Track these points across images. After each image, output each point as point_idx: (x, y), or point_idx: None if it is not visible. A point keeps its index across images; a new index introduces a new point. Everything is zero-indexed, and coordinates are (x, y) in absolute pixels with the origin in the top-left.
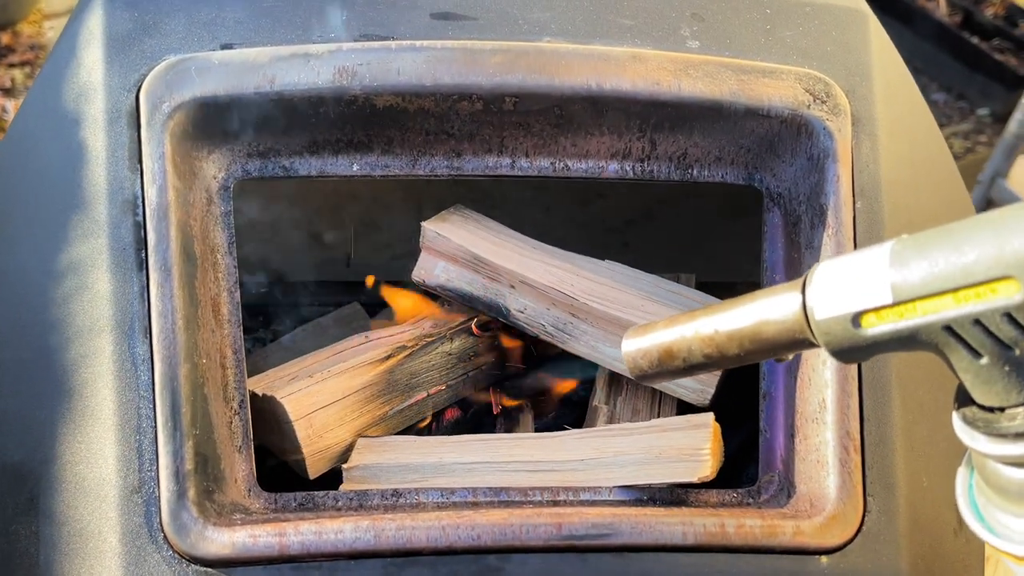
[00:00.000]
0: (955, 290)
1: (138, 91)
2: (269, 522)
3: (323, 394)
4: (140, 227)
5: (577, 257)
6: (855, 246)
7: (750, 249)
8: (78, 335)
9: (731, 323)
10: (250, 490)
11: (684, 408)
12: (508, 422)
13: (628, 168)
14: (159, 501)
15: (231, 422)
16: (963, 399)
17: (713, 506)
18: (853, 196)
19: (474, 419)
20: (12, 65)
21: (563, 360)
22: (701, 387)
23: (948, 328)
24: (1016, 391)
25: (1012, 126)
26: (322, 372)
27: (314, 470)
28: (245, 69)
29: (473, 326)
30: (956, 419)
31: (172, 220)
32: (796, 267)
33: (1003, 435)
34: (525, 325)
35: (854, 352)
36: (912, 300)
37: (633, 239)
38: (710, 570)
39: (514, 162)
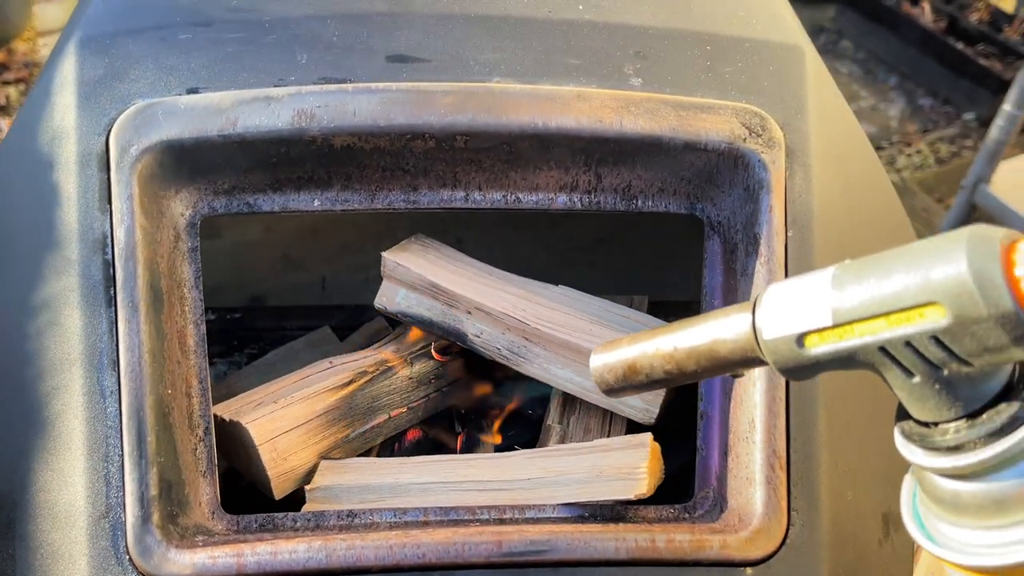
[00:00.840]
0: (887, 314)
1: (108, 135)
2: (229, 543)
3: (287, 419)
4: (109, 265)
5: (531, 283)
6: (786, 274)
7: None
8: (50, 369)
9: (688, 341)
10: (213, 513)
11: (633, 427)
12: (469, 442)
13: (576, 200)
14: (125, 525)
15: (196, 448)
16: (902, 414)
17: (650, 521)
18: (785, 226)
19: (435, 439)
20: (7, 83)
21: (521, 381)
22: (646, 407)
23: (883, 349)
24: (947, 408)
25: (993, 132)
26: (286, 398)
27: (279, 491)
28: (209, 113)
29: (433, 351)
30: (896, 433)
31: (139, 258)
32: (733, 293)
33: (937, 448)
34: (482, 349)
35: (799, 370)
36: (850, 323)
37: (599, 259)
38: None
39: (468, 195)
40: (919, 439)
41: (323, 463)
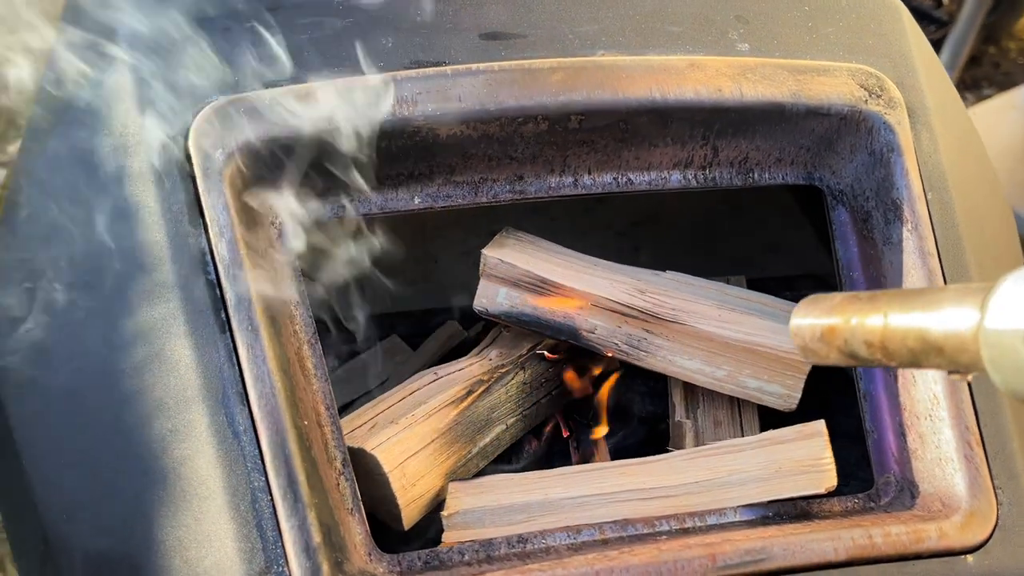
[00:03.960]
0: None
1: (186, 139)
2: None
3: (411, 440)
4: (214, 286)
5: (640, 271)
6: (935, 239)
7: (759, 243)
8: (161, 409)
9: (901, 312)
10: (370, 554)
11: (764, 415)
12: (581, 447)
13: (691, 177)
14: None
15: (338, 484)
16: None
17: (839, 515)
18: (923, 188)
19: (546, 447)
20: None
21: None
22: (787, 392)
23: None
24: None
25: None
26: (406, 417)
27: (409, 520)
28: (298, 107)
29: (546, 352)
30: None
31: (249, 275)
32: (876, 263)
33: None
34: (597, 345)
35: (1020, 384)
36: None
37: (643, 242)
38: None
39: (576, 180)
40: None
41: (452, 486)
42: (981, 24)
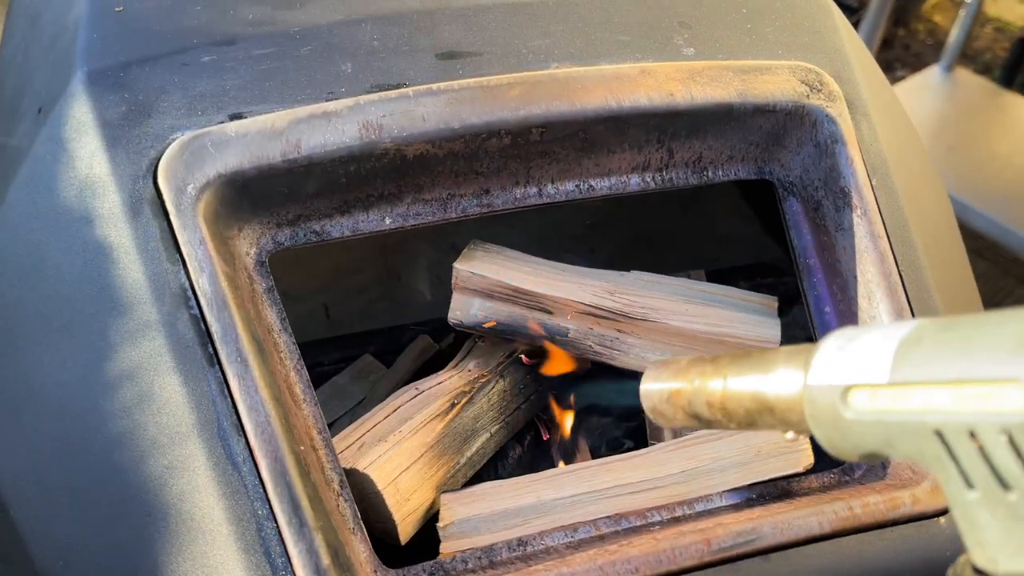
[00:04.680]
0: (955, 381)
1: (154, 176)
2: None
3: (402, 456)
4: (199, 320)
5: (605, 272)
6: (883, 222)
7: (709, 236)
8: (154, 447)
9: (739, 371)
10: (376, 571)
11: None
12: (562, 448)
13: (649, 179)
14: None
15: (338, 505)
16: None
17: (818, 491)
18: (868, 175)
19: (529, 452)
20: None
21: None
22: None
23: (940, 435)
24: (1013, 551)
25: None
26: (394, 434)
27: (405, 535)
28: (266, 137)
29: (523, 356)
30: None
31: (232, 306)
32: (830, 249)
33: None
34: (571, 348)
35: (838, 439)
36: (908, 383)
37: (599, 243)
38: (847, 553)
39: (541, 190)
40: None
41: (444, 497)
42: (891, 8)
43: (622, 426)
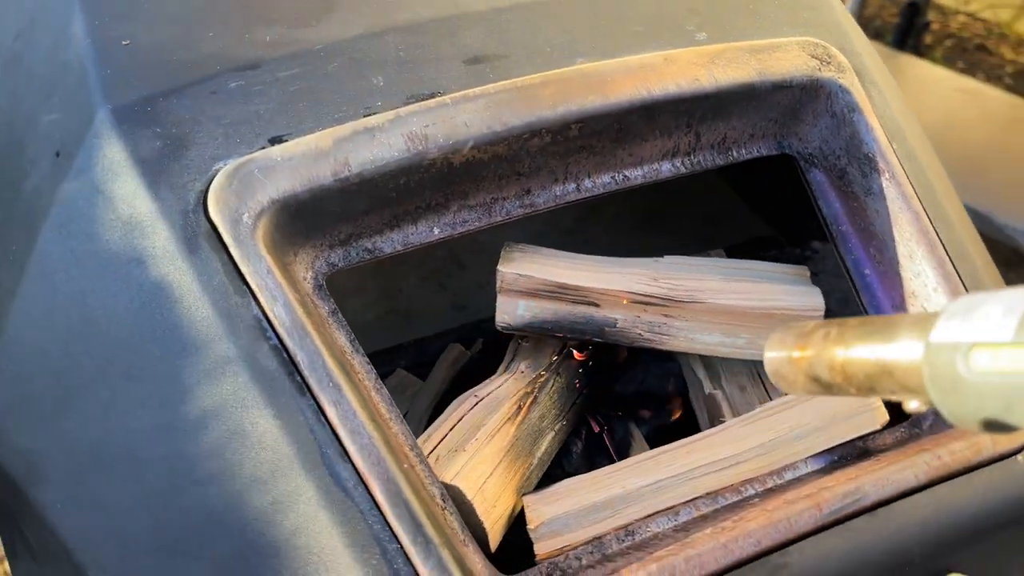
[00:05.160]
0: None
1: (205, 209)
2: None
3: (483, 464)
4: (280, 350)
5: (642, 260)
6: (911, 183)
7: (696, 216)
8: (255, 485)
9: (862, 338)
10: None
11: None
12: (615, 439)
13: (679, 164)
14: None
15: (446, 519)
16: None
17: (893, 447)
18: (888, 140)
19: (585, 447)
20: None
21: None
22: None
23: None
24: None
25: None
26: (471, 443)
27: (495, 542)
28: (313, 158)
29: (575, 352)
30: None
31: (313, 333)
32: (861, 214)
33: None
34: (621, 338)
35: (956, 404)
36: None
37: (591, 235)
38: (943, 500)
39: (579, 185)
40: None
41: (527, 499)
42: None
43: (666, 412)
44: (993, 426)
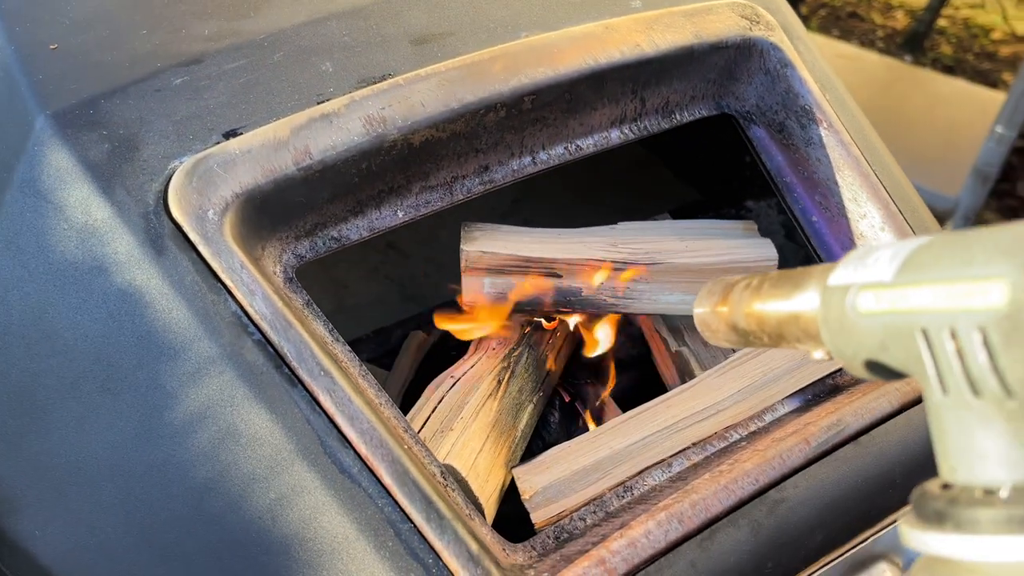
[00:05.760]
0: (946, 280)
1: (166, 209)
2: (572, 561)
3: (473, 441)
4: (264, 344)
5: (595, 229)
6: (847, 130)
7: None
8: (254, 483)
9: (775, 287)
10: (504, 549)
11: None
12: (588, 406)
13: (626, 130)
14: None
15: (448, 495)
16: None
17: (862, 380)
18: (821, 91)
19: (560, 416)
20: None
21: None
22: None
23: (925, 336)
24: (973, 459)
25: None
26: (457, 422)
27: (490, 517)
28: (273, 148)
29: (543, 322)
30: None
31: (294, 322)
32: (804, 163)
33: (944, 519)
34: (587, 305)
35: (843, 343)
36: (907, 284)
37: (529, 215)
38: (915, 424)
39: (534, 158)
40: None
41: (516, 471)
42: None
43: (635, 374)
44: (874, 368)
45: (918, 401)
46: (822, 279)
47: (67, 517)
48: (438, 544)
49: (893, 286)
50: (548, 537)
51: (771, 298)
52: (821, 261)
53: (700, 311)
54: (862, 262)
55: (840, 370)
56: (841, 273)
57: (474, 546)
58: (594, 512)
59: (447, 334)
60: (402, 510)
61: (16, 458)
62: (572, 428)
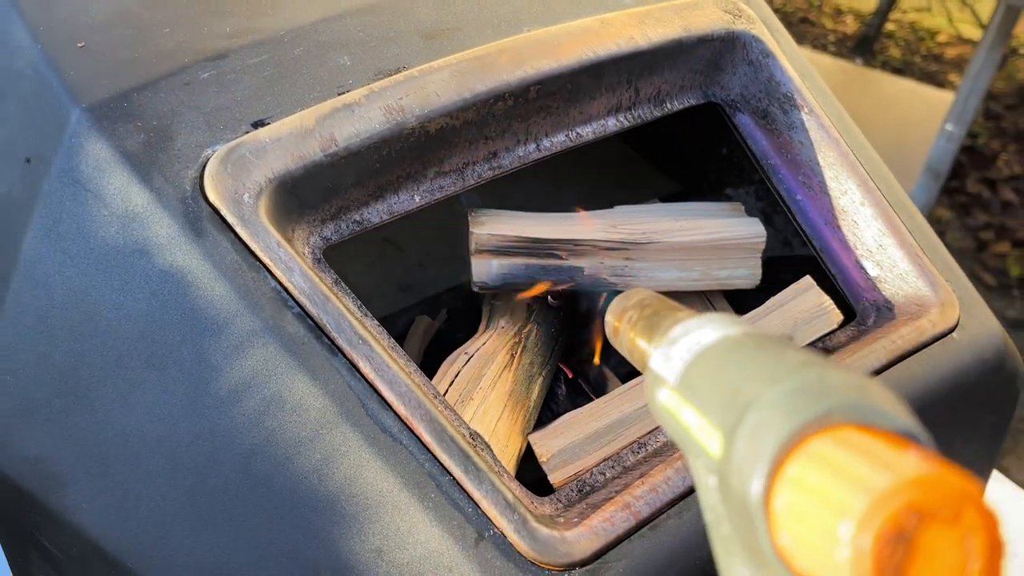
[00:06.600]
0: (698, 408)
1: (203, 194)
2: (598, 507)
3: (493, 408)
4: (304, 317)
5: (594, 213)
6: (826, 115)
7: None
8: (300, 446)
9: (642, 321)
10: (533, 502)
11: (731, 297)
12: (591, 380)
13: (621, 119)
14: (509, 538)
15: (479, 455)
16: None
17: (847, 343)
18: (800, 79)
19: (567, 389)
20: None
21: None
22: (751, 271)
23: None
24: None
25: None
26: (477, 391)
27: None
28: (299, 137)
29: (549, 299)
30: None
31: (330, 296)
32: (787, 147)
33: None
34: (589, 283)
35: (655, 413)
36: (682, 396)
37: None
38: (900, 377)
39: (538, 145)
40: None
41: (532, 437)
42: None
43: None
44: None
45: (900, 358)
46: (662, 337)
47: (114, 489)
48: (476, 494)
49: (675, 391)
50: (572, 490)
51: (639, 336)
52: (806, 236)
53: (609, 319)
54: (671, 348)
55: (831, 333)
56: (657, 356)
57: (509, 495)
58: (612, 467)
59: (452, 319)
60: (442, 465)
61: (62, 436)
62: (578, 400)
